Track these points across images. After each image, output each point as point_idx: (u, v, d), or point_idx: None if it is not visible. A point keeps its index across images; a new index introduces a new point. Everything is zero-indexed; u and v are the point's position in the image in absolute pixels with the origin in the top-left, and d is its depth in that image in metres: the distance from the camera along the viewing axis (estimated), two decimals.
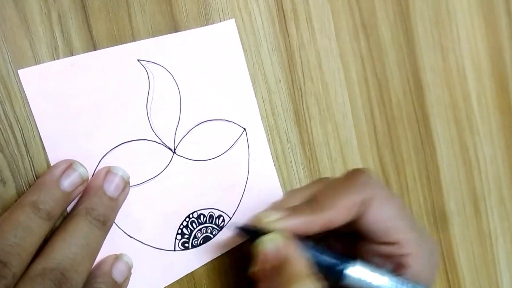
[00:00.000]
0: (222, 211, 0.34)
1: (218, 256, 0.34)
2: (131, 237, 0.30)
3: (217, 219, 0.34)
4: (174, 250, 0.32)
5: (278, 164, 0.38)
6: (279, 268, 0.28)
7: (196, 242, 0.33)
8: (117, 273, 0.28)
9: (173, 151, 0.32)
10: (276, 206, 0.33)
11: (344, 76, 0.42)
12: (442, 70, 0.51)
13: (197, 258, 0.33)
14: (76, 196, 0.27)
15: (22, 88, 0.27)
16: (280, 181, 0.38)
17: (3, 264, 0.23)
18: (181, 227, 0.33)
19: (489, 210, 0.56)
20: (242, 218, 0.35)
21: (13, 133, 0.27)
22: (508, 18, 0.58)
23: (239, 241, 0.35)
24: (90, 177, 0.29)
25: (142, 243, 0.31)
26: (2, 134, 0.27)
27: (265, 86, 0.37)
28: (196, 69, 0.33)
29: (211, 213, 0.34)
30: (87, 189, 0.28)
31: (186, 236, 0.33)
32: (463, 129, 0.53)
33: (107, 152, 0.30)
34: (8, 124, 0.27)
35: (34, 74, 0.27)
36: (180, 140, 0.32)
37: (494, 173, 0.57)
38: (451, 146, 0.52)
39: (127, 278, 0.29)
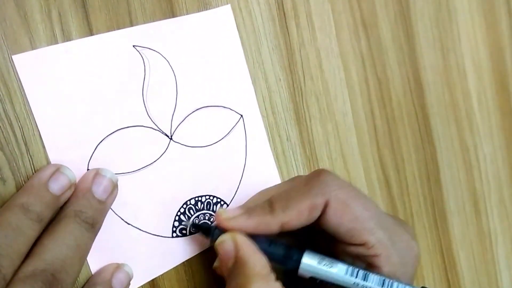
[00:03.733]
0: (219, 198, 0.34)
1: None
2: (128, 223, 0.30)
3: (215, 206, 0.34)
4: (172, 237, 0.32)
5: (278, 163, 0.38)
6: (238, 266, 0.29)
7: (193, 229, 0.33)
8: (117, 283, 0.29)
9: (169, 137, 0.32)
10: (241, 205, 0.33)
11: (345, 75, 0.42)
12: (442, 69, 0.51)
13: (194, 245, 0.33)
14: (65, 200, 0.27)
15: (22, 86, 0.27)
16: (280, 178, 0.38)
17: None
18: (179, 214, 0.33)
19: (489, 209, 0.56)
20: (240, 204, 0.35)
21: (13, 132, 0.27)
22: (508, 18, 0.58)
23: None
24: (78, 178, 0.28)
25: (140, 229, 0.31)
26: (2, 133, 0.27)
27: (265, 85, 0.37)
28: (192, 55, 0.33)
29: (208, 200, 0.34)
30: (76, 191, 0.28)
31: (183, 223, 0.33)
32: (463, 128, 0.53)
33: (104, 138, 0.30)
34: (8, 123, 0.27)
35: (28, 60, 0.27)
36: (177, 127, 0.32)
37: (494, 172, 0.57)
38: (451, 145, 0.52)
39: None
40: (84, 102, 0.29)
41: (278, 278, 0.29)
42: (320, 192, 0.30)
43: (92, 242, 0.27)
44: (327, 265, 0.30)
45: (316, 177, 0.31)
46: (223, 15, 0.34)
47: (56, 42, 0.28)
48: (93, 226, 0.27)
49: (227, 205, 0.35)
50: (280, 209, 0.30)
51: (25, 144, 0.27)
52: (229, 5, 0.35)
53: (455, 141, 0.52)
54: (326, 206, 0.30)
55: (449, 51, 0.51)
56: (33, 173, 0.27)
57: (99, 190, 0.28)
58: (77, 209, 0.27)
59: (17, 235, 0.24)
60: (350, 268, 0.30)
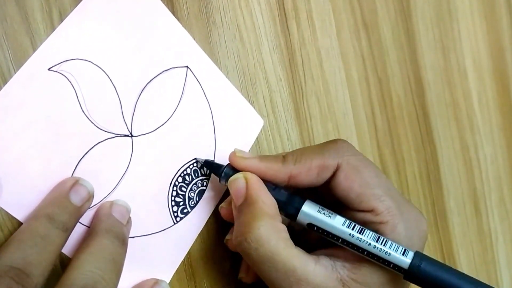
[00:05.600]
0: (202, 158, 0.33)
1: (216, 240, 0.34)
2: (133, 237, 0.31)
3: (202, 169, 0.34)
4: (175, 223, 0.32)
5: None
6: (247, 204, 0.30)
7: (193, 203, 0.33)
8: None
9: (130, 135, 0.31)
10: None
11: (345, 75, 0.42)
12: (443, 69, 0.51)
13: (200, 216, 0.33)
14: (85, 211, 0.28)
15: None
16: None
17: (26, 275, 0.23)
18: (172, 198, 0.32)
19: (489, 209, 0.56)
20: (225, 152, 0.34)
21: None
22: (509, 17, 0.58)
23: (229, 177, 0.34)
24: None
25: (145, 235, 0.31)
26: None
27: (266, 84, 0.37)
28: (109, 38, 0.30)
29: (194, 168, 0.33)
30: (99, 215, 0.29)
31: (181, 203, 0.33)
32: (464, 128, 0.53)
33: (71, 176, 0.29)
34: None
35: None
36: (131, 121, 0.31)
37: (495, 172, 0.57)
38: (451, 145, 0.52)
39: None
40: (30, 154, 0.27)
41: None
42: (333, 154, 0.31)
43: (124, 257, 0.28)
44: (326, 215, 0.31)
45: (332, 142, 0.33)
46: None
47: None
48: (123, 242, 0.28)
49: (213, 160, 0.34)
50: (292, 161, 0.31)
51: None
52: None
53: (456, 141, 0.52)
54: (337, 170, 0.31)
55: (450, 50, 0.51)
56: None
57: (119, 215, 0.29)
58: (106, 227, 0.28)
59: (46, 244, 0.24)
60: (348, 221, 0.30)
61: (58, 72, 0.28)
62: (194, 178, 0.33)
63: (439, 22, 0.50)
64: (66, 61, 0.28)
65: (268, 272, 0.29)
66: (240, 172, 0.31)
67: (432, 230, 0.50)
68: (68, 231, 0.26)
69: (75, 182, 0.28)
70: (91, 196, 0.28)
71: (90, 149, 0.29)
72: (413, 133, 0.48)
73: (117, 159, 0.30)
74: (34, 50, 0.27)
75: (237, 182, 0.31)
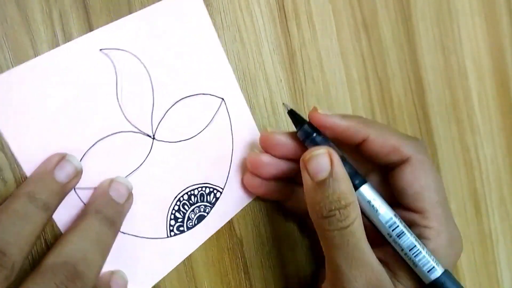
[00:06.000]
0: (212, 185, 0.34)
1: (213, 244, 0.34)
2: (124, 233, 0.30)
3: (208, 196, 0.34)
4: (168, 237, 0.32)
5: None
6: (338, 180, 0.29)
7: (190, 224, 0.33)
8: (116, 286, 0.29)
9: (152, 137, 0.31)
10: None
11: (345, 76, 0.42)
12: (443, 69, 0.51)
13: (193, 240, 0.33)
14: (72, 188, 0.27)
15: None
16: None
17: (2, 253, 0.23)
18: (173, 212, 0.32)
19: (490, 210, 0.56)
20: (234, 188, 0.34)
21: None
22: (509, 18, 0.58)
23: (232, 214, 0.34)
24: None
25: (136, 236, 0.31)
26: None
27: (266, 85, 0.37)
28: (162, 46, 0.32)
29: (201, 192, 0.33)
30: (95, 194, 0.28)
31: (180, 220, 0.33)
32: (464, 129, 0.53)
33: (85, 154, 0.29)
34: None
35: None
36: (158, 125, 0.32)
37: (495, 173, 0.57)
38: (451, 146, 0.52)
39: None
40: (57, 120, 0.28)
41: None
42: (411, 146, 0.32)
43: (113, 240, 0.28)
44: (374, 207, 0.30)
45: (414, 137, 0.33)
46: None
47: (57, 43, 0.28)
48: (112, 224, 0.27)
49: (221, 193, 0.34)
50: (372, 128, 0.31)
51: None
52: None
53: (456, 141, 0.52)
54: (406, 161, 0.31)
55: (450, 51, 0.51)
56: None
57: (116, 195, 0.28)
58: (97, 208, 0.27)
59: (25, 223, 0.24)
60: (393, 220, 0.30)
61: (107, 56, 0.30)
62: (199, 201, 0.33)
63: (439, 22, 0.50)
64: (118, 49, 0.30)
65: (344, 256, 0.28)
66: (323, 147, 0.30)
67: None
68: (50, 210, 0.26)
69: (61, 158, 0.27)
70: (78, 173, 0.27)
71: (111, 134, 0.30)
72: (413, 134, 0.48)
73: (133, 154, 0.31)
74: (35, 50, 0.27)
75: (320, 157, 0.29)
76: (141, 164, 0.31)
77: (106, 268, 0.29)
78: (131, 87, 0.30)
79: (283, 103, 0.33)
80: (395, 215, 0.31)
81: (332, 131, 0.31)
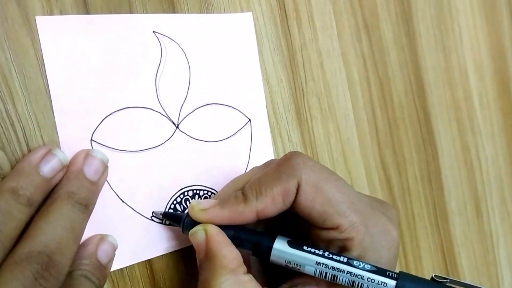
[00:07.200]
0: (160, 211, 0.33)
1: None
2: (123, 201, 0.30)
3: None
4: (163, 224, 0.32)
5: None
6: (208, 259, 0.28)
7: (165, 219, 0.33)
8: (102, 254, 0.28)
9: (176, 125, 0.33)
10: (214, 196, 0.33)
11: (346, 76, 0.42)
12: (444, 70, 0.51)
13: (186, 238, 0.32)
14: (56, 182, 0.27)
15: (24, 86, 0.27)
16: None
17: None
18: (174, 202, 0.32)
19: (491, 210, 0.56)
20: None
21: (15, 132, 0.27)
22: (509, 18, 0.58)
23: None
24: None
25: (133, 209, 0.31)
26: (4, 133, 0.27)
27: (267, 85, 0.37)
28: (209, 52, 0.34)
29: (206, 195, 0.34)
30: (68, 173, 0.27)
31: (155, 212, 0.32)
32: (465, 129, 0.53)
33: (111, 113, 0.30)
34: (10, 123, 0.27)
35: (50, 24, 0.28)
36: (185, 117, 0.33)
37: (496, 173, 0.57)
38: (452, 146, 0.52)
39: (111, 259, 0.29)
40: (98, 74, 0.30)
41: (261, 269, 0.30)
42: (292, 175, 0.29)
43: (86, 223, 0.27)
44: (294, 262, 0.29)
45: (287, 160, 0.30)
46: (244, 21, 0.36)
47: None
48: (86, 207, 0.27)
49: None
50: (254, 197, 0.29)
51: (27, 144, 0.27)
52: (250, 13, 0.36)
53: (457, 142, 0.52)
54: (298, 190, 0.29)
55: (451, 51, 0.51)
56: None
57: (91, 171, 0.28)
58: (69, 190, 0.26)
59: (7, 220, 0.24)
60: (318, 270, 0.29)
61: (159, 40, 0.32)
62: None
63: (440, 23, 0.50)
64: (170, 38, 0.32)
65: None
66: (200, 224, 0.29)
67: (433, 231, 0.50)
68: (33, 205, 0.25)
69: (47, 152, 0.27)
70: (64, 166, 0.27)
71: (139, 107, 0.31)
72: (414, 134, 0.48)
73: (155, 133, 0.32)
74: (35, 50, 0.28)
75: (196, 235, 0.29)
76: (158, 145, 0.32)
77: (97, 228, 0.29)
78: (171, 74, 0.32)
79: (153, 212, 0.32)
80: (316, 263, 0.29)
81: (218, 222, 0.30)
